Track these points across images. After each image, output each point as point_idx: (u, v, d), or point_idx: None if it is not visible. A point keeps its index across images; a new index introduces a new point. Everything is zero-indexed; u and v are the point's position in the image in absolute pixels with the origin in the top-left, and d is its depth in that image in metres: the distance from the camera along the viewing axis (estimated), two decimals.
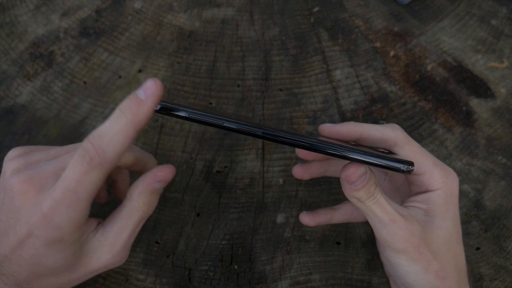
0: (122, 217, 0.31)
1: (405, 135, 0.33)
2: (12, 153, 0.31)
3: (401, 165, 0.27)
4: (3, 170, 0.30)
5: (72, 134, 0.45)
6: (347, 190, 0.30)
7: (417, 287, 0.31)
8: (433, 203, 0.32)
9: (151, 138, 0.45)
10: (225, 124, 0.27)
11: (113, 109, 0.46)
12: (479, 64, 0.50)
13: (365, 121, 0.46)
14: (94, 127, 0.45)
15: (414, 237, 0.30)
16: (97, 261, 0.30)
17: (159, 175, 0.31)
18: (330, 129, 0.33)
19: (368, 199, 0.30)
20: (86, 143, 0.27)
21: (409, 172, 0.27)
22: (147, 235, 0.40)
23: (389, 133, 0.32)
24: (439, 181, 0.32)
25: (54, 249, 0.28)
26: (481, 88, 0.48)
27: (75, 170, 0.27)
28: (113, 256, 0.31)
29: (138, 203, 0.31)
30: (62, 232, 0.28)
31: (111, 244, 0.31)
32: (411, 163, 0.27)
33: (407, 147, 0.32)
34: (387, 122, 0.46)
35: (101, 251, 0.30)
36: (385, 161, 0.27)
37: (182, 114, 0.28)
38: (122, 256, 0.32)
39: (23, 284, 0.29)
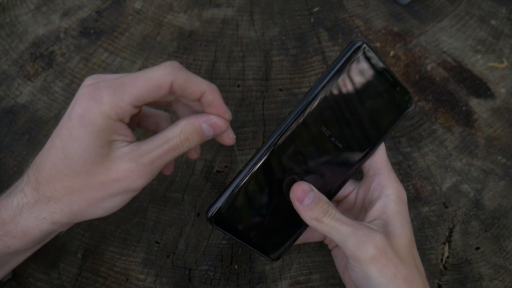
0: (160, 137, 0.31)
1: None
2: (88, 78, 0.32)
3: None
4: (79, 90, 0.32)
5: None
6: (303, 213, 0.31)
7: None
8: (390, 210, 0.32)
9: None
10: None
11: None
12: (479, 64, 0.50)
13: None
14: None
15: (380, 242, 0.30)
16: (119, 166, 0.30)
17: (211, 118, 0.32)
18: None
19: (324, 216, 0.31)
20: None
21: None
22: (147, 235, 0.40)
23: None
24: (393, 186, 0.33)
25: (84, 128, 0.29)
26: (481, 88, 0.48)
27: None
28: (137, 166, 0.30)
29: (181, 131, 0.31)
30: (100, 108, 0.29)
31: (139, 154, 0.30)
32: None
33: (378, 149, 0.35)
34: None
35: (127, 158, 0.30)
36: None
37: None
38: (144, 173, 0.31)
39: (42, 182, 0.30)
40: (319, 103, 0.31)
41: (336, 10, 0.53)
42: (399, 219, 0.32)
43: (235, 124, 0.46)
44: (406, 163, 0.44)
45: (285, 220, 0.34)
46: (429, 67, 0.50)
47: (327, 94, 0.31)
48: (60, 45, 0.50)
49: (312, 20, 0.53)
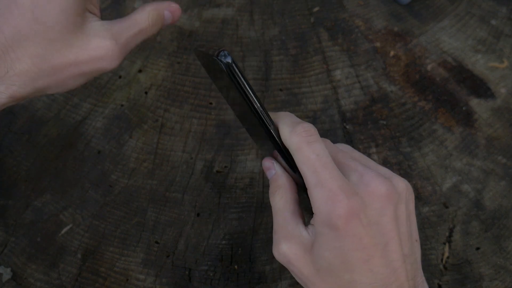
0: (131, 19, 0.31)
1: (303, 138, 0.27)
2: None
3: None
4: None
5: (72, 134, 0.45)
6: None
7: None
8: (316, 226, 0.27)
9: (151, 138, 0.45)
10: None
11: (113, 109, 0.46)
12: (479, 64, 0.50)
13: (365, 121, 0.46)
14: (94, 127, 0.45)
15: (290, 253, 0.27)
16: (98, 43, 0.28)
17: (172, 6, 0.32)
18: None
19: (274, 194, 0.30)
20: None
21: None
22: (147, 235, 0.41)
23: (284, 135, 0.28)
24: (315, 205, 0.26)
25: None
26: (481, 88, 0.48)
27: None
28: (116, 45, 0.29)
29: (148, 15, 0.31)
30: None
31: (116, 33, 0.29)
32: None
33: (299, 153, 0.27)
34: (387, 123, 0.46)
35: (105, 35, 0.29)
36: None
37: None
38: (120, 54, 0.30)
39: (7, 43, 0.26)
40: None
41: (336, 10, 0.53)
42: (322, 239, 0.26)
43: (236, 124, 0.46)
44: (406, 163, 0.44)
45: None
46: (429, 67, 0.50)
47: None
48: None
49: (312, 20, 0.53)
